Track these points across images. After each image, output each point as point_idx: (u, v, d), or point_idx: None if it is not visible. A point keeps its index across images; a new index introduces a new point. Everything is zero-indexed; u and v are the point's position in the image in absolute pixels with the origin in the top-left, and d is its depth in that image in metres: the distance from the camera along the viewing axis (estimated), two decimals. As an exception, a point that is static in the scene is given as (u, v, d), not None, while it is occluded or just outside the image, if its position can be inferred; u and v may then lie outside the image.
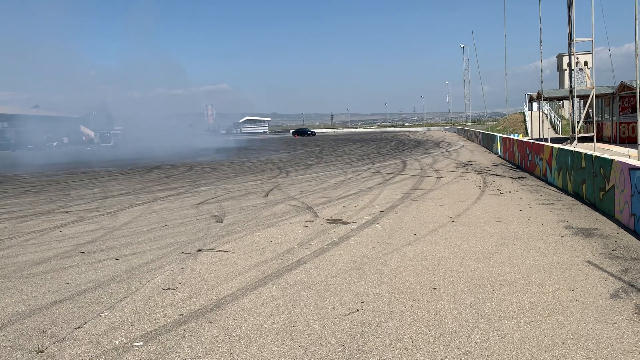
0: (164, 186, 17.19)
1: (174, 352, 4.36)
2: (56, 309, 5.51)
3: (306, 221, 9.87)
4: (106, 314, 5.31)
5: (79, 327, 4.97)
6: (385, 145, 41.18)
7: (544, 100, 31.40)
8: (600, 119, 31.92)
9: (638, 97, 16.04)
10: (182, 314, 5.22)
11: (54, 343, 4.63)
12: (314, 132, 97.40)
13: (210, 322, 4.99)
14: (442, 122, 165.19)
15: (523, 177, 15.98)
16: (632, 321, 4.65)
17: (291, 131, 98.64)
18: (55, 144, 61.83)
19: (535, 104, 50.01)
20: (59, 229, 10.01)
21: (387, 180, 16.50)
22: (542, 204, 10.97)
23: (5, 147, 62.54)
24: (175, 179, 19.85)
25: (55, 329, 4.96)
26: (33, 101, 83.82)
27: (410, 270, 6.49)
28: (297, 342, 4.51)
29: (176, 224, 10.04)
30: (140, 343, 4.57)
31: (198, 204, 12.59)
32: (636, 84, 16.18)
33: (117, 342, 4.59)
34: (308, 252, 7.50)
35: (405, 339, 4.48)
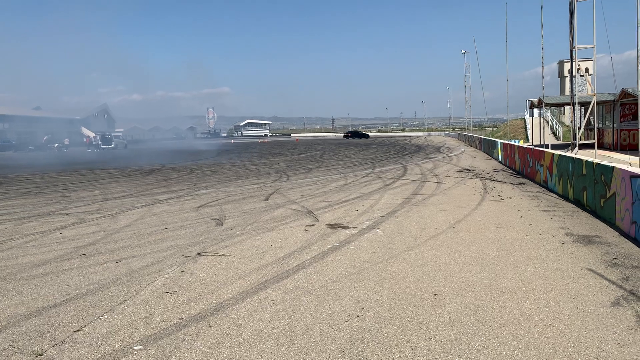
0: (164, 189, 17.19)
1: (173, 357, 4.35)
2: (56, 312, 5.50)
3: (307, 225, 9.86)
4: (106, 317, 5.30)
5: (78, 330, 4.96)
6: (385, 150, 41.19)
7: (544, 106, 31.43)
8: (601, 126, 31.93)
9: (639, 104, 16.06)
10: (182, 318, 5.21)
11: (53, 346, 4.62)
12: (367, 134, 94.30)
13: (210, 327, 4.98)
14: (443, 127, 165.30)
15: (524, 184, 15.97)
16: (633, 330, 4.64)
17: (343, 134, 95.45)
18: (56, 145, 61.79)
19: (536, 110, 50.03)
20: (59, 231, 10.00)
21: (388, 185, 16.50)
22: (542, 210, 10.96)
23: (6, 148, 62.56)
24: (175, 181, 19.85)
25: (55, 331, 4.95)
26: (34, 102, 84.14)
27: (411, 275, 6.48)
28: (297, 347, 4.50)
29: (176, 227, 10.03)
30: (140, 347, 4.55)
31: (198, 207, 12.59)
32: (637, 91, 16.19)
33: (116, 346, 4.58)
34: (308, 257, 7.49)
35: (405, 345, 4.47)
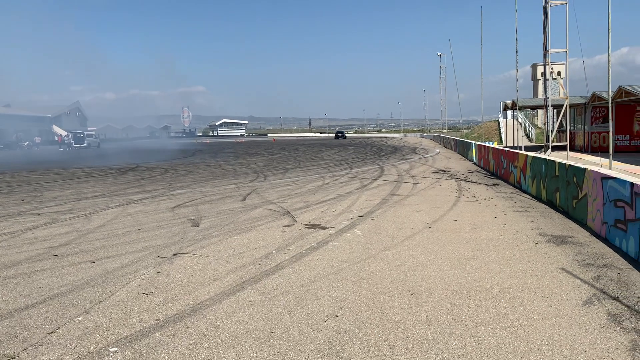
0: (139, 189, 16.96)
1: (150, 358, 4.30)
2: (28, 314, 5.38)
3: (284, 226, 9.84)
4: (80, 318, 5.21)
5: (52, 332, 4.86)
6: (362, 151, 41.36)
7: (518, 109, 31.96)
8: (572, 128, 32.60)
9: (610, 107, 16.45)
10: (159, 319, 5.15)
11: (25, 348, 4.52)
12: (345, 135, 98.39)
13: (187, 328, 4.93)
14: (419, 128, 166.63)
15: (498, 185, 16.22)
16: (605, 327, 4.75)
17: (334, 134, 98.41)
18: (26, 143, 60.46)
19: (509, 113, 50.88)
20: (30, 231, 9.79)
21: (365, 185, 16.57)
22: (516, 211, 11.14)
23: (-26, 146, 60.93)
24: (150, 181, 19.60)
25: (27, 334, 4.84)
26: (4, 100, 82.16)
27: (388, 275, 6.52)
28: (276, 348, 4.49)
29: (152, 228, 9.91)
30: (116, 348, 4.49)
31: (174, 207, 12.45)
32: (608, 94, 16.58)
33: (91, 348, 4.51)
34: (286, 257, 7.48)
35: (383, 345, 4.50)
